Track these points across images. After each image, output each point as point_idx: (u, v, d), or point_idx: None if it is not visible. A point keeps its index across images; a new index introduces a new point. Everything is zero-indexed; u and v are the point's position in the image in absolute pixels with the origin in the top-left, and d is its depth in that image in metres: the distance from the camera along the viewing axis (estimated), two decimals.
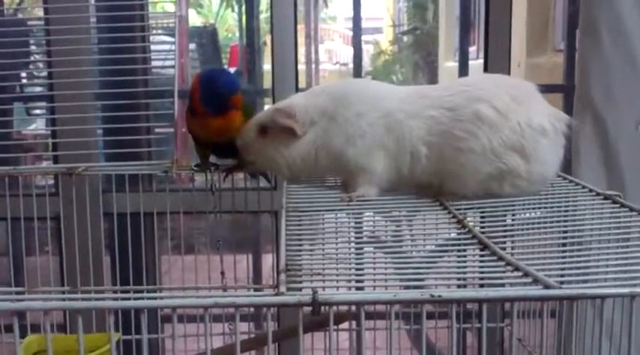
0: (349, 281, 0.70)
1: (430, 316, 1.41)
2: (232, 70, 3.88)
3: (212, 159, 1.22)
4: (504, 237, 0.77)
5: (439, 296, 0.53)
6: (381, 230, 1.01)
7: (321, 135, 0.94)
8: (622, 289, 0.57)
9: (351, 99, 0.95)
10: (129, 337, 1.19)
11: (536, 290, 0.56)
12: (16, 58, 1.42)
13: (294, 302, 0.52)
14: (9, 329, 1.21)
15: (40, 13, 1.57)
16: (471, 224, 0.80)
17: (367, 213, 0.98)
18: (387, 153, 0.92)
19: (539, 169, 0.89)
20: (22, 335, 1.17)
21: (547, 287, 0.56)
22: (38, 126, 2.15)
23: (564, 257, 0.70)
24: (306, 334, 1.18)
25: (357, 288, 0.69)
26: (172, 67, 1.29)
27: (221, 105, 1.08)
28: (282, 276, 0.58)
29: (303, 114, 0.95)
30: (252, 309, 1.25)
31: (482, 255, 0.72)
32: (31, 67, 1.73)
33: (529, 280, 0.59)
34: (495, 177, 0.88)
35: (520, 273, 0.61)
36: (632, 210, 0.83)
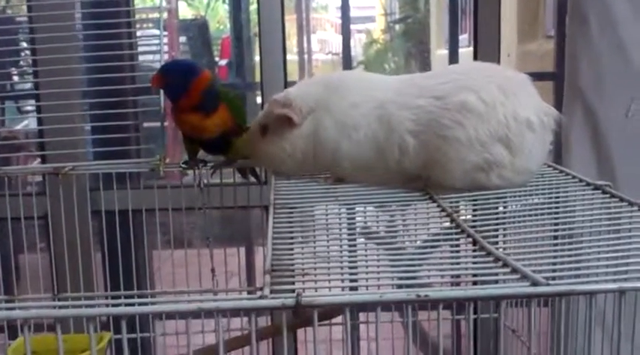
0: (342, 280, 0.69)
1: (424, 307, 1.41)
2: (224, 61, 3.86)
3: (202, 155, 1.22)
4: (494, 230, 0.77)
5: (426, 295, 0.53)
6: (373, 223, 1.00)
7: (318, 124, 0.94)
8: (611, 285, 0.56)
9: (345, 89, 0.95)
10: (120, 336, 1.19)
11: (524, 288, 0.55)
12: (4, 55, 1.41)
13: (278, 306, 0.52)
14: (1, 329, 1.20)
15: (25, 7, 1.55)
16: (461, 218, 0.80)
17: (358, 207, 0.97)
18: (377, 145, 0.91)
19: (524, 162, 0.89)
20: (14, 337, 1.17)
21: (535, 283, 0.56)
22: (30, 124, 2.14)
23: (554, 251, 0.69)
24: (301, 328, 1.18)
25: (351, 288, 0.68)
26: (159, 61, 1.28)
27: (179, 93, 1.08)
28: (267, 278, 0.57)
29: (299, 103, 0.94)
30: None
31: (472, 250, 0.72)
32: (21, 63, 1.71)
33: (517, 276, 0.58)
34: (481, 167, 0.88)
35: (508, 269, 0.60)
36: (622, 200, 0.83)
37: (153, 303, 0.55)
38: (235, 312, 1.17)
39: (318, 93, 0.95)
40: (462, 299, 0.54)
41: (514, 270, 0.60)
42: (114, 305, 0.55)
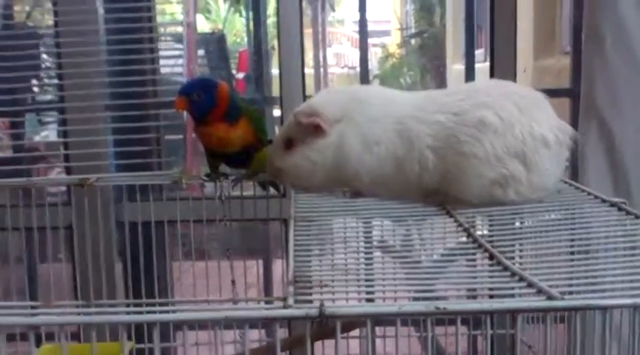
0: (358, 292, 0.70)
1: (440, 322, 1.42)
2: (241, 75, 3.90)
3: (223, 168, 1.24)
4: (511, 245, 0.78)
5: (444, 308, 0.54)
6: (390, 236, 1.02)
7: (343, 135, 0.93)
8: (625, 300, 0.57)
9: (368, 103, 0.96)
10: (142, 345, 1.21)
11: (540, 302, 0.57)
12: (27, 67, 1.44)
13: (302, 315, 0.54)
14: (24, 337, 1.22)
15: (50, 21, 1.59)
16: (478, 233, 0.81)
17: (376, 220, 0.99)
18: (397, 161, 0.93)
19: (540, 178, 0.90)
20: (37, 344, 1.19)
21: (550, 298, 0.57)
22: (50, 134, 2.17)
23: (570, 266, 0.70)
24: (318, 341, 1.19)
25: (367, 299, 0.70)
26: (181, 74, 1.31)
27: (208, 107, 1.11)
28: (291, 289, 0.59)
29: (325, 110, 0.94)
30: None
31: (488, 265, 0.73)
32: (42, 75, 1.75)
33: (533, 290, 0.60)
34: (498, 182, 0.90)
35: (524, 284, 0.62)
36: (637, 217, 0.84)
37: (180, 311, 0.57)
38: (254, 324, 1.19)
39: (343, 103, 0.95)
40: (479, 312, 0.56)
41: (530, 285, 0.61)
42: (140, 313, 0.57)
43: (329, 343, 1.17)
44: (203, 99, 1.11)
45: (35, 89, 1.75)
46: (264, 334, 1.48)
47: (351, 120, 0.94)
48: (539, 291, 0.59)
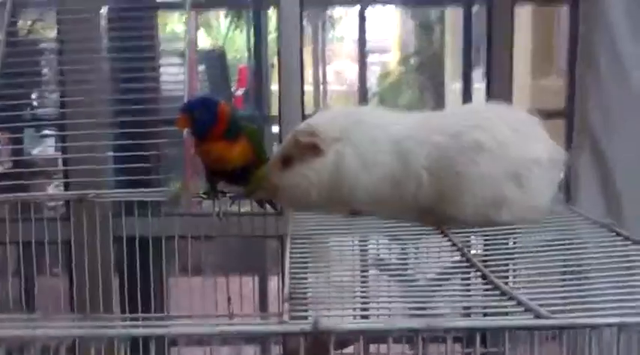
0: (353, 309, 0.72)
1: (434, 340, 1.42)
2: (240, 91, 3.92)
3: (221, 186, 1.26)
4: (504, 265, 0.79)
5: (435, 325, 0.56)
6: (386, 254, 1.03)
7: (341, 155, 0.95)
8: (612, 319, 0.59)
9: (366, 123, 0.98)
10: None
11: (527, 320, 0.58)
12: (28, 82, 1.45)
13: (297, 331, 0.55)
14: (21, 350, 1.23)
15: (52, 34, 1.60)
16: (471, 252, 0.83)
17: (372, 239, 1.00)
18: (394, 181, 0.95)
19: (534, 199, 0.92)
20: None
21: (538, 316, 0.59)
22: (47, 148, 2.18)
23: (561, 286, 0.72)
24: None
25: (362, 316, 0.71)
26: (182, 90, 1.32)
27: (210, 124, 1.12)
28: (286, 305, 0.60)
29: (323, 131, 0.96)
30: None
31: (481, 284, 0.74)
32: (42, 89, 1.76)
33: (522, 309, 0.61)
34: (492, 203, 0.91)
35: (514, 302, 0.63)
36: (627, 239, 0.85)
37: (176, 326, 0.58)
38: (249, 339, 1.20)
39: (341, 124, 0.97)
40: (469, 329, 0.57)
41: (519, 303, 0.62)
42: (137, 327, 0.58)
43: None
44: (204, 117, 1.13)
45: (35, 103, 1.76)
46: (260, 351, 1.49)
47: (349, 141, 0.96)
48: (528, 310, 0.61)
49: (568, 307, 0.63)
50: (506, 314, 0.64)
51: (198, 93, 1.56)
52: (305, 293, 0.69)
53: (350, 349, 1.33)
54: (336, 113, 1.02)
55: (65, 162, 1.51)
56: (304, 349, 0.59)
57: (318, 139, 0.95)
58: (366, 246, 1.00)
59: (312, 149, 0.95)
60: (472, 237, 0.92)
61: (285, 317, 0.57)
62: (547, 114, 1.03)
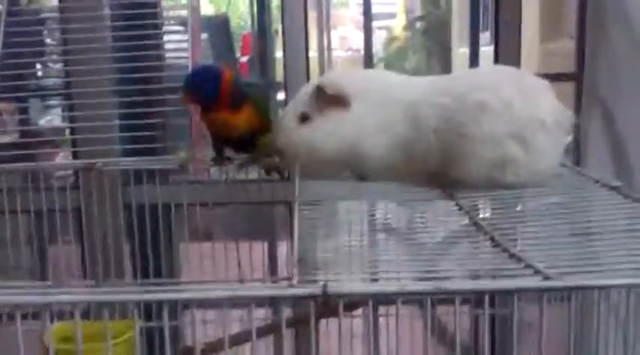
0: (362, 273, 0.72)
1: (443, 302, 1.43)
2: (245, 58, 3.89)
3: (228, 153, 1.26)
4: (511, 228, 0.80)
5: (443, 288, 0.56)
6: (394, 218, 1.03)
7: (360, 114, 0.95)
8: (620, 280, 0.59)
9: (383, 85, 0.98)
10: (151, 324, 1.23)
11: (536, 282, 0.58)
12: (31, 52, 1.45)
13: (306, 295, 0.55)
14: (36, 316, 1.25)
15: (53, 2, 1.59)
16: (480, 215, 0.83)
17: (380, 204, 1.00)
18: (406, 145, 0.95)
19: (539, 161, 0.92)
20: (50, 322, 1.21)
21: (547, 278, 0.59)
22: (54, 118, 2.18)
23: (569, 248, 0.72)
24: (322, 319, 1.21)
25: (372, 280, 0.71)
26: (186, 58, 1.32)
27: (214, 98, 1.12)
28: (295, 269, 0.61)
29: (347, 85, 0.95)
30: None
31: (488, 247, 0.75)
32: (46, 58, 1.75)
33: (531, 271, 0.61)
34: (497, 164, 0.91)
35: (522, 265, 0.64)
36: (637, 200, 0.85)
37: (187, 291, 0.59)
38: (260, 302, 1.21)
39: (361, 83, 0.97)
40: (477, 291, 0.58)
41: (528, 266, 0.63)
42: (150, 292, 0.59)
43: (333, 321, 1.19)
44: (208, 90, 1.13)
45: (40, 73, 1.76)
46: (270, 312, 1.50)
47: (368, 101, 0.95)
48: (537, 272, 0.61)
49: (576, 269, 0.63)
50: (515, 276, 0.65)
51: (200, 64, 1.55)
52: (314, 257, 0.70)
53: (359, 311, 1.35)
54: (353, 73, 1.02)
55: (72, 131, 1.51)
56: (316, 310, 0.60)
57: (345, 93, 0.94)
58: (374, 211, 1.01)
59: (336, 103, 0.94)
60: (480, 200, 0.92)
61: (295, 281, 0.58)
62: (556, 78, 1.02)
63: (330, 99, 0.94)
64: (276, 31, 2.47)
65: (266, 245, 1.74)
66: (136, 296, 0.59)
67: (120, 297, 0.60)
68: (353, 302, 0.99)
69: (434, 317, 1.53)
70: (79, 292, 0.59)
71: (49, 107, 1.94)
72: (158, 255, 1.36)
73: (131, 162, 1.31)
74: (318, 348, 1.45)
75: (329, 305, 0.59)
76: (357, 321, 1.42)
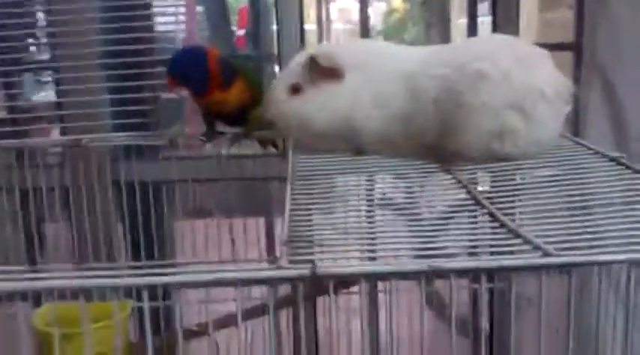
0: (360, 252, 0.70)
1: (441, 276, 1.42)
2: (242, 32, 3.84)
3: (221, 127, 1.23)
4: (510, 202, 0.77)
5: (438, 266, 0.54)
6: (391, 193, 1.01)
7: (355, 86, 0.92)
8: (621, 255, 0.57)
9: (381, 56, 0.95)
10: (141, 304, 1.22)
11: (535, 259, 0.56)
12: (18, 25, 1.41)
13: (294, 276, 0.53)
14: (24, 297, 1.23)
15: None
16: (478, 189, 0.81)
17: (377, 178, 0.98)
18: (404, 117, 0.92)
19: (538, 131, 0.89)
20: (38, 304, 1.20)
21: (546, 254, 0.57)
22: (48, 95, 2.15)
23: (569, 222, 0.70)
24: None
25: (370, 259, 0.69)
26: (181, 31, 1.28)
27: (204, 82, 1.10)
28: (284, 249, 0.58)
29: (341, 57, 0.92)
30: None
31: (486, 221, 0.73)
32: (37, 34, 1.72)
33: (529, 247, 0.59)
34: (496, 134, 0.89)
35: (521, 241, 0.61)
36: (637, 172, 0.83)
37: (173, 274, 0.57)
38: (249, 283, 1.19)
39: (358, 54, 0.94)
40: (474, 270, 0.56)
41: (527, 242, 0.61)
42: (134, 276, 0.57)
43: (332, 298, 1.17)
44: (196, 73, 1.10)
45: (32, 49, 1.72)
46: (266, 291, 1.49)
47: (363, 73, 0.92)
48: (536, 248, 0.59)
49: (576, 244, 0.61)
50: (513, 253, 0.63)
51: (183, 47, 1.50)
52: (308, 235, 0.67)
53: (358, 287, 1.34)
54: (348, 44, 0.98)
55: (60, 106, 1.47)
56: (307, 291, 0.58)
57: (337, 64, 0.91)
58: (371, 185, 0.98)
59: (329, 74, 0.91)
60: (478, 173, 0.89)
61: (283, 261, 0.55)
62: (555, 48, 0.99)
63: (323, 71, 0.91)
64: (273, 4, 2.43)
65: (263, 222, 1.72)
66: (120, 281, 0.57)
67: (106, 282, 0.58)
68: (346, 281, 0.97)
69: (431, 292, 1.52)
70: (65, 277, 0.58)
71: (42, 82, 1.91)
72: (150, 235, 1.33)
73: (119, 138, 1.28)
74: (316, 326, 1.45)
75: (321, 284, 0.57)
76: (356, 297, 1.41)
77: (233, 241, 1.28)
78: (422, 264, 0.54)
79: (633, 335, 0.63)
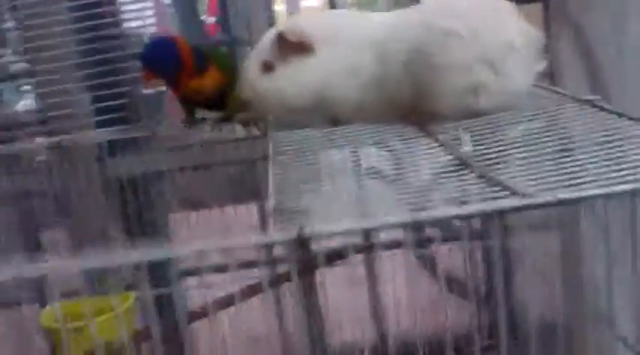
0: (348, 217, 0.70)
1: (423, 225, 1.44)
2: (212, 19, 3.82)
3: (201, 113, 1.24)
4: (494, 157, 0.78)
5: (423, 217, 0.55)
6: (375, 163, 1.02)
7: (326, 59, 0.92)
8: (597, 190, 0.58)
9: (349, 26, 0.95)
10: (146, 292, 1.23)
11: (513, 201, 0.58)
12: None
13: (282, 240, 0.55)
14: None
15: None
16: (465, 149, 0.82)
17: (360, 147, 0.99)
18: (378, 85, 0.93)
19: (510, 83, 0.91)
20: (43, 305, 1.22)
21: (524, 196, 0.58)
22: (28, 104, 2.15)
23: (548, 167, 0.71)
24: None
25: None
26: (152, 25, 1.28)
27: (176, 70, 1.10)
28: (271, 219, 0.60)
29: (310, 31, 0.92)
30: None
31: (472, 179, 0.73)
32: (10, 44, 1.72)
33: (508, 192, 0.61)
34: (469, 91, 0.90)
35: (500, 188, 0.63)
36: (611, 112, 0.84)
37: (167, 250, 0.58)
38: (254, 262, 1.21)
39: (326, 26, 0.95)
40: (456, 216, 0.57)
41: (505, 188, 0.62)
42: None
43: (333, 270, 1.19)
44: (168, 62, 1.11)
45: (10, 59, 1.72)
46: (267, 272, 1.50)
47: (333, 44, 0.93)
48: (514, 193, 0.60)
49: (556, 185, 0.63)
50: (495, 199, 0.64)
51: (152, 37, 1.49)
52: (296, 207, 0.68)
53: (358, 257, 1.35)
54: (315, 16, 0.99)
55: (42, 111, 1.47)
56: (301, 265, 0.59)
57: (307, 37, 0.91)
58: (355, 155, 0.99)
59: (299, 49, 0.92)
60: (459, 133, 0.90)
61: (271, 229, 0.57)
62: (524, 0, 1.00)
63: (292, 46, 0.92)
64: None
65: (255, 207, 1.73)
66: (114, 260, 0.58)
67: (103, 261, 0.59)
68: (337, 253, 0.99)
69: (425, 256, 1.54)
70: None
71: (21, 92, 1.91)
72: (144, 228, 1.34)
73: (100, 134, 1.28)
74: (317, 298, 1.46)
75: (307, 251, 0.58)
76: (354, 269, 1.43)
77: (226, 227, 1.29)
78: (405, 217, 0.56)
79: (614, 272, 0.65)
